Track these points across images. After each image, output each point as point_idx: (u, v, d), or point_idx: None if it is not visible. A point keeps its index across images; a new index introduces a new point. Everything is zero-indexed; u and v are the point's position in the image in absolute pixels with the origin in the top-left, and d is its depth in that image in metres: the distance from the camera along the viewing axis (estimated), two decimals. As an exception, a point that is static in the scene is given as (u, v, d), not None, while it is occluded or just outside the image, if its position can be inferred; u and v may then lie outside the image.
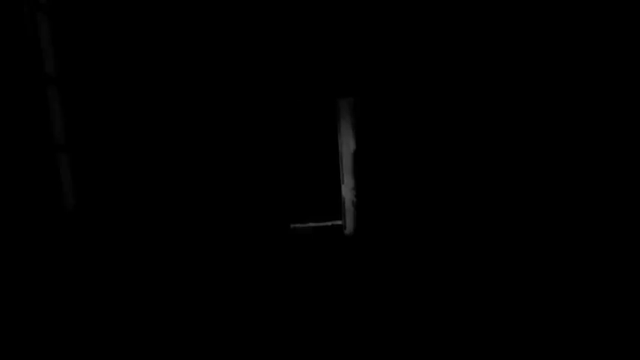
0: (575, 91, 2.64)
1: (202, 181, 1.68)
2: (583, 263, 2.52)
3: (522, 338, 2.36)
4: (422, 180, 3.99)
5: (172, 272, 1.52)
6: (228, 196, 2.27)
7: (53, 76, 2.40)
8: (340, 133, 5.42)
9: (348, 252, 4.67)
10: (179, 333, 1.56)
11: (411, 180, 4.03)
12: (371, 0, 3.66)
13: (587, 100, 2.56)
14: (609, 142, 2.38)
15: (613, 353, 1.76)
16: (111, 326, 1.41)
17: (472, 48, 3.56)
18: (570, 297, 2.49)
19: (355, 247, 4.67)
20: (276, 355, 2.38)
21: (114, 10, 1.88)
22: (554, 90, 2.82)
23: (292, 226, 6.09)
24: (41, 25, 2.25)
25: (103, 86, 1.87)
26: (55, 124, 2.13)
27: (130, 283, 1.52)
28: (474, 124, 3.67)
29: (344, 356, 2.34)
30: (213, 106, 2.32)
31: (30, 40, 2.07)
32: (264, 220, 3.33)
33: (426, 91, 3.93)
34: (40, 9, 2.28)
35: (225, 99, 2.69)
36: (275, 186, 3.75)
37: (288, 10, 3.49)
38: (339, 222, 6.10)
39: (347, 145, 4.95)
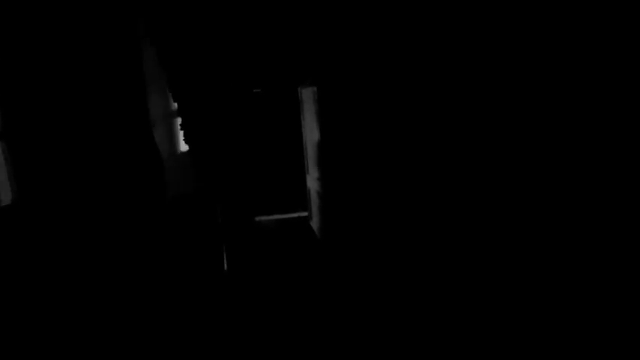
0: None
1: (156, 172, 1.54)
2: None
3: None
4: (386, 168, 4.00)
5: (118, 269, 1.39)
6: (185, 187, 2.13)
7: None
8: (304, 123, 5.32)
9: (315, 244, 4.63)
10: (120, 328, 1.44)
11: (375, 169, 4.03)
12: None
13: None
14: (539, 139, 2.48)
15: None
16: (48, 319, 1.27)
17: (431, 41, 3.58)
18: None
19: (321, 239, 4.63)
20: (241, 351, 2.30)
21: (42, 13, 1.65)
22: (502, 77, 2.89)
23: (257, 218, 5.96)
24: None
25: (38, 82, 1.66)
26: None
27: (80, 279, 1.38)
28: (434, 115, 3.71)
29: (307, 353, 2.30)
30: (168, 94, 2.15)
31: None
32: (227, 213, 3.20)
33: (389, 78, 3.92)
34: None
35: (182, 88, 2.51)
36: (239, 178, 3.60)
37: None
38: (305, 213, 6.05)
39: (311, 134, 4.87)
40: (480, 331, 2.38)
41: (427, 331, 2.44)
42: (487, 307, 2.66)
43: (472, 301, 2.77)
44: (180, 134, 2.08)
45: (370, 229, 4.09)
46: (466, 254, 3.40)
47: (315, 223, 5.16)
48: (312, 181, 5.02)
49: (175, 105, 2.01)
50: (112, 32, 1.27)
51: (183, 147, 2.13)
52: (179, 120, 2.02)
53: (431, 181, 3.80)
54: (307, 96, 4.84)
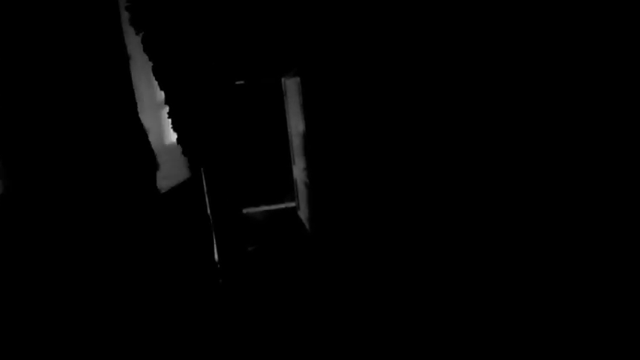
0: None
1: (147, 164, 1.54)
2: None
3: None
4: (372, 157, 4.06)
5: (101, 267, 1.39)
6: (175, 178, 2.12)
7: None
8: (288, 114, 5.32)
9: (303, 235, 4.67)
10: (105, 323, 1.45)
11: (361, 158, 4.08)
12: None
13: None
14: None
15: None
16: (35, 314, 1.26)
17: (414, 33, 3.62)
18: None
19: (310, 229, 4.68)
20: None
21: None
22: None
23: (245, 210, 5.95)
24: None
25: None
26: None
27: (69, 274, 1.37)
28: (417, 103, 3.77)
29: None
30: (154, 83, 2.13)
31: None
32: (215, 206, 3.19)
33: (373, 67, 3.95)
34: None
35: (167, 78, 2.48)
36: (225, 170, 3.59)
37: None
38: (293, 204, 6.07)
39: (296, 125, 4.88)
40: (475, 329, 2.47)
41: (419, 324, 2.52)
42: (482, 301, 2.76)
43: (469, 296, 2.86)
44: (168, 123, 2.07)
45: (358, 218, 4.16)
46: (455, 243, 3.49)
47: (303, 214, 5.19)
48: (299, 172, 5.05)
49: (162, 94, 2.00)
50: (96, 22, 1.26)
51: (173, 138, 2.12)
52: (166, 109, 2.01)
53: (416, 168, 3.88)
54: (291, 87, 4.83)
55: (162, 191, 1.79)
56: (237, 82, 5.32)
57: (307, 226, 4.88)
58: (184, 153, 1.96)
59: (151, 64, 1.74)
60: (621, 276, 1.81)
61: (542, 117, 2.36)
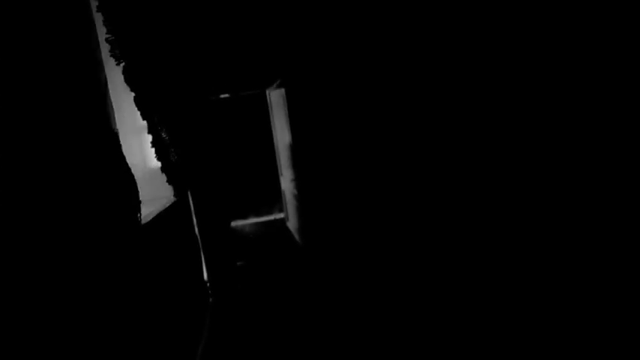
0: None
1: (129, 192, 1.52)
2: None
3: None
4: (360, 166, 4.08)
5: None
6: (158, 203, 2.10)
7: None
8: (274, 125, 5.31)
9: (293, 246, 4.66)
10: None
11: (349, 168, 4.10)
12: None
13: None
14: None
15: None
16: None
17: (398, 41, 3.67)
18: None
19: (300, 240, 4.67)
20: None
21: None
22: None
23: (233, 224, 5.91)
24: None
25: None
26: None
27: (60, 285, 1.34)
28: (404, 111, 3.81)
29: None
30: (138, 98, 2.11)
31: None
32: (203, 223, 3.17)
33: (358, 76, 3.98)
34: None
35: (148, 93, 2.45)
36: (212, 185, 3.56)
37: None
38: (282, 215, 6.06)
39: (282, 136, 4.88)
40: (463, 339, 2.50)
41: (410, 334, 2.53)
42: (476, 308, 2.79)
43: (456, 305, 2.89)
44: (152, 151, 2.05)
45: (347, 227, 4.17)
46: (443, 252, 3.54)
47: (292, 225, 5.18)
48: (287, 183, 5.04)
49: (144, 122, 1.98)
50: (74, 54, 1.25)
51: (156, 163, 2.10)
52: (149, 137, 2.00)
53: (405, 175, 3.91)
54: (276, 98, 4.83)
55: (150, 218, 1.77)
56: (222, 96, 5.30)
57: (296, 236, 4.87)
58: (169, 182, 1.95)
59: (132, 94, 1.73)
60: (621, 276, 1.82)
61: (510, 113, 2.42)
